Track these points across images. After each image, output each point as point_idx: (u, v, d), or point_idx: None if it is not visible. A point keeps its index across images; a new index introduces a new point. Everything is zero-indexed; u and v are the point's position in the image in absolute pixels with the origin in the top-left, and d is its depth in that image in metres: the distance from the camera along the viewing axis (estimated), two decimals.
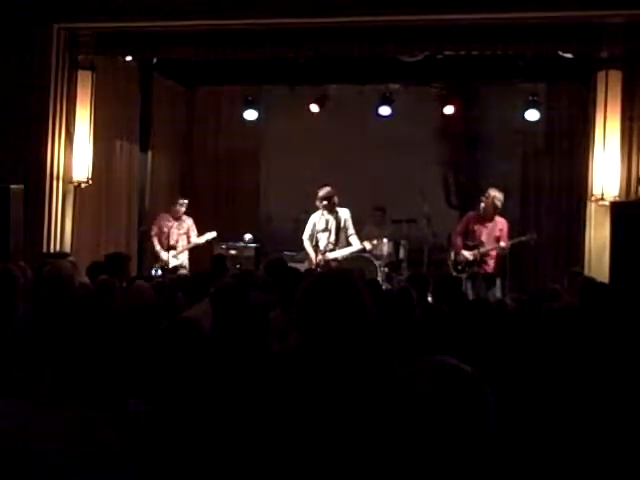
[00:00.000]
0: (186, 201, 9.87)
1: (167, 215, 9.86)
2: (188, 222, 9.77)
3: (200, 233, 9.73)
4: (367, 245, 8.80)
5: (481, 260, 8.62)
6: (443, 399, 1.56)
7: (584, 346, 2.90)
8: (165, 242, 9.64)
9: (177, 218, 9.75)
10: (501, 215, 8.80)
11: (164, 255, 9.52)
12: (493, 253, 8.66)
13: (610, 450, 2.45)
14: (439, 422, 1.55)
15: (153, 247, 9.74)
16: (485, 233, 8.68)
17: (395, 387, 1.61)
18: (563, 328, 3.02)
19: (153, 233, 9.82)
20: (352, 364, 2.12)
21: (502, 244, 8.53)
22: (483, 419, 1.57)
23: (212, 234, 9.67)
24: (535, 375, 2.89)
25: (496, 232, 8.64)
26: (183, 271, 9.08)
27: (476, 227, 8.73)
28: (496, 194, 8.69)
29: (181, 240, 9.67)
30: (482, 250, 8.60)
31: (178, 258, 9.54)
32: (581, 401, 2.62)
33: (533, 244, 8.84)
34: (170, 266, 9.33)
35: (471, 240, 8.73)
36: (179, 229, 9.73)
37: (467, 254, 8.68)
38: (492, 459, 1.62)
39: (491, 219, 8.69)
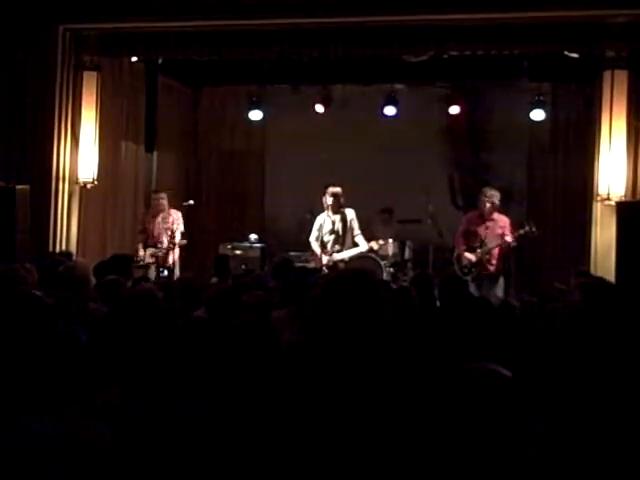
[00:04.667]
0: (164, 194, 9.58)
1: (149, 211, 9.70)
2: (174, 216, 9.41)
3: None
4: (374, 245, 8.77)
5: (485, 260, 8.58)
6: (490, 407, 1.54)
7: (592, 346, 2.90)
8: (146, 238, 9.45)
9: (158, 212, 9.45)
10: (501, 212, 8.79)
11: (141, 252, 9.29)
12: (496, 252, 8.62)
13: (620, 453, 2.44)
14: (482, 430, 1.53)
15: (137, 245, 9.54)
16: (486, 233, 8.65)
17: (439, 393, 1.59)
18: (570, 328, 3.02)
19: (137, 231, 9.76)
20: (367, 364, 2.10)
21: (508, 238, 8.46)
22: (528, 427, 1.56)
23: (190, 202, 9.72)
24: (543, 376, 2.88)
25: (497, 230, 8.62)
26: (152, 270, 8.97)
27: (477, 227, 8.70)
28: (493, 192, 8.71)
29: (164, 235, 9.29)
30: (484, 249, 8.57)
31: (154, 257, 9.23)
32: (593, 403, 2.61)
33: (535, 234, 8.59)
34: (142, 263, 9.10)
35: (473, 241, 8.70)
36: (163, 224, 9.36)
37: (470, 256, 8.65)
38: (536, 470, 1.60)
39: (491, 218, 8.67)
